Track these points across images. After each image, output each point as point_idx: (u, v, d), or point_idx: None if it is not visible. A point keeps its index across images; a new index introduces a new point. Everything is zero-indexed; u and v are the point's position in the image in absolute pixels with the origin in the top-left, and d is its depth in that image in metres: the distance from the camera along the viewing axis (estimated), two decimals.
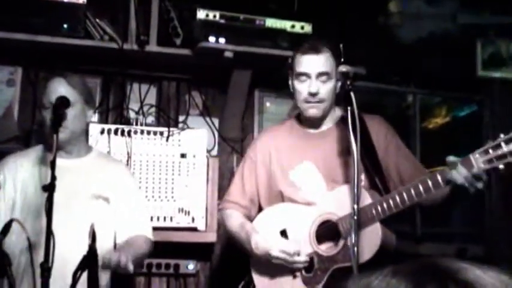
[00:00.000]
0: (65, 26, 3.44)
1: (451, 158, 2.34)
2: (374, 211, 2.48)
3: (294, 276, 2.65)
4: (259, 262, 2.72)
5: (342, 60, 2.63)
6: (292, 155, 2.80)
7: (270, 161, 2.85)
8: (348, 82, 2.41)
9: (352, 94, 2.36)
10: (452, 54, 4.28)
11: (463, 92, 4.68)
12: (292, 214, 2.72)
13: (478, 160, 2.28)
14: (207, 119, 3.98)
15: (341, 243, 2.56)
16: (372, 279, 0.85)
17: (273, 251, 2.59)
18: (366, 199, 2.52)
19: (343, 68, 2.50)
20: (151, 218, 3.43)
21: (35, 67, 3.77)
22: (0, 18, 3.35)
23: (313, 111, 2.72)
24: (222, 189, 3.85)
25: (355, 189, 2.28)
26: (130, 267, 2.47)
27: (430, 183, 2.38)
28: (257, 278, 2.76)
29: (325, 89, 2.69)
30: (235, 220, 2.85)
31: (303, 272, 2.63)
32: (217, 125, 3.99)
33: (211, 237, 3.63)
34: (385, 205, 2.45)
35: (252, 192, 2.89)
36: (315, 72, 2.67)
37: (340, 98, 2.68)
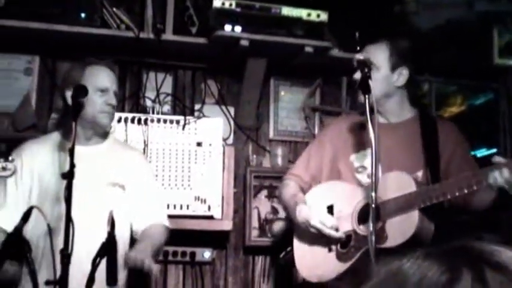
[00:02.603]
0: (82, 15, 3.47)
1: (497, 158, 2.36)
2: (413, 199, 2.52)
3: (330, 250, 2.76)
4: (301, 231, 2.85)
5: (358, 48, 2.63)
6: (359, 140, 2.88)
7: (339, 142, 2.95)
8: (366, 70, 2.42)
9: (370, 82, 2.37)
10: (469, 42, 4.25)
11: (479, 80, 4.64)
12: (342, 192, 2.82)
13: None
14: (223, 107, 3.98)
15: (379, 225, 2.58)
16: (403, 262, 0.85)
17: (312, 220, 2.72)
18: (412, 187, 2.56)
19: (360, 56, 2.51)
20: (168, 206, 3.46)
21: (52, 56, 3.79)
22: (18, 8, 3.38)
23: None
24: (238, 178, 3.88)
25: (373, 177, 2.30)
26: (154, 269, 2.50)
27: (473, 180, 2.40)
28: (296, 245, 2.91)
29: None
30: (290, 189, 3.00)
31: (339, 247, 2.72)
32: (232, 113, 4.00)
33: (227, 225, 3.64)
34: (426, 195, 2.49)
35: (316, 169, 3.00)
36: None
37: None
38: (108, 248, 2.17)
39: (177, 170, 3.59)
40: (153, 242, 2.74)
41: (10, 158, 2.35)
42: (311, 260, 2.83)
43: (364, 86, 2.40)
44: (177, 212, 3.53)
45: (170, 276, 3.79)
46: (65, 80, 2.87)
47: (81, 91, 2.59)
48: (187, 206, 3.56)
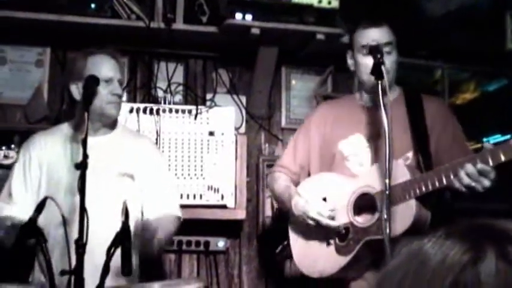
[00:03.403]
0: (92, 5, 3.47)
1: (488, 145, 2.35)
2: (410, 188, 2.49)
3: (328, 244, 2.72)
4: (297, 225, 2.81)
5: None
6: (346, 126, 2.85)
7: (325, 129, 2.91)
8: (379, 56, 2.40)
9: (383, 67, 2.35)
10: (481, 27, 4.21)
11: (492, 66, 4.60)
12: (335, 184, 2.77)
13: None
14: (234, 96, 3.97)
15: (376, 216, 2.58)
16: (424, 242, 0.84)
17: (310, 211, 2.68)
18: (405, 176, 2.52)
19: (372, 42, 2.49)
20: (181, 196, 3.46)
21: (63, 47, 3.80)
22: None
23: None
24: (250, 167, 3.88)
25: (387, 164, 2.28)
26: (155, 248, 2.51)
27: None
28: (293, 241, 2.86)
29: (390, 59, 2.69)
30: (281, 182, 2.95)
31: (337, 240, 2.69)
32: (244, 102, 3.99)
33: (241, 214, 3.65)
34: (422, 183, 2.46)
35: (303, 159, 2.96)
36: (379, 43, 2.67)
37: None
38: (122, 238, 2.17)
39: (190, 159, 3.59)
40: (161, 228, 2.73)
41: (12, 146, 2.35)
42: (310, 256, 2.78)
43: (378, 72, 2.38)
44: (191, 201, 3.54)
45: (184, 266, 3.80)
46: (69, 73, 2.87)
47: (92, 82, 2.59)
48: (201, 196, 3.56)
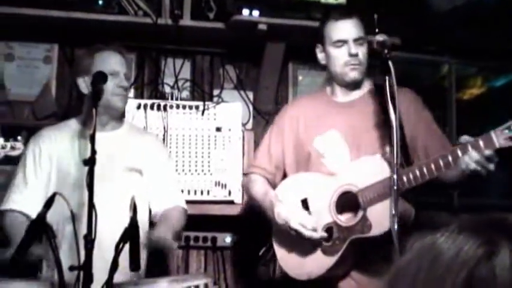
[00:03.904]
0: (100, 2, 3.49)
1: (465, 138, 2.34)
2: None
3: (314, 246, 2.68)
4: (281, 230, 2.75)
5: (377, 30, 2.61)
6: (320, 123, 2.82)
7: (298, 127, 2.88)
8: (386, 51, 2.39)
9: (390, 63, 2.35)
10: (488, 22, 4.19)
11: (499, 61, 4.59)
12: (314, 184, 2.74)
13: (500, 137, 2.27)
14: (242, 92, 3.98)
15: (360, 214, 2.56)
16: (437, 237, 0.84)
17: (292, 222, 2.63)
18: (387, 172, 2.51)
19: (379, 38, 2.49)
20: (188, 192, 3.47)
21: (70, 44, 3.81)
22: None
23: (354, 73, 2.75)
24: None
25: (395, 159, 2.28)
26: (174, 245, 2.52)
27: (450, 158, 2.38)
28: (277, 245, 2.81)
29: (362, 51, 2.74)
30: (260, 187, 2.90)
31: (322, 241, 2.65)
32: (251, 98, 3.99)
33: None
34: (404, 178, 2.45)
35: (278, 159, 2.92)
36: (352, 37, 2.72)
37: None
38: (130, 233, 2.18)
39: (197, 155, 3.60)
40: (173, 223, 2.78)
41: (19, 138, 2.36)
42: (296, 259, 2.73)
43: (385, 68, 2.38)
44: (198, 197, 3.54)
45: (192, 261, 3.81)
46: (76, 69, 2.93)
47: (100, 78, 2.60)
48: (208, 192, 3.57)
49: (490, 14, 4.17)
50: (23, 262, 2.25)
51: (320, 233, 2.62)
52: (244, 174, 3.07)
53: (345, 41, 2.72)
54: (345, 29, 2.73)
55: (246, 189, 3.04)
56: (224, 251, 3.84)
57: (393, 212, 2.25)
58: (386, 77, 2.37)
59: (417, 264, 0.83)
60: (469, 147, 2.31)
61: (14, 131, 3.41)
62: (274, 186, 2.89)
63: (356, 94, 2.84)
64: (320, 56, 2.84)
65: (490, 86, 4.77)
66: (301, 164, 2.85)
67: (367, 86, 2.86)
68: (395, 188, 2.27)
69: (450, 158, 2.37)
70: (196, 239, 3.73)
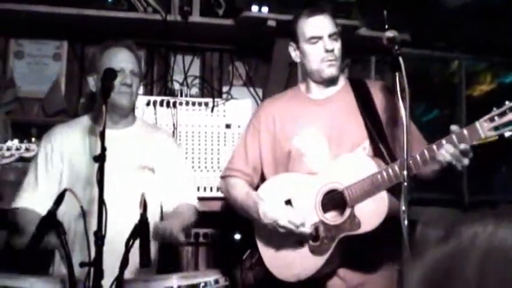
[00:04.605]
0: None
1: (454, 127, 2.36)
2: (381, 179, 2.48)
3: (301, 245, 2.65)
4: (265, 231, 2.72)
5: (386, 26, 2.60)
6: (296, 121, 2.80)
7: (274, 128, 2.84)
8: (396, 47, 2.38)
9: (401, 59, 2.34)
10: (498, 18, 4.17)
11: (509, 57, 4.56)
12: (296, 184, 2.72)
13: (484, 127, 2.28)
14: (251, 89, 3.97)
15: (347, 212, 2.55)
16: (477, 229, 0.82)
17: (281, 220, 2.60)
18: (372, 168, 2.52)
19: (390, 34, 2.47)
20: (198, 188, 3.47)
21: (80, 41, 3.83)
22: None
23: (330, 70, 2.74)
24: None
25: (405, 155, 2.27)
26: (181, 237, 2.51)
27: (430, 154, 2.40)
28: (262, 247, 2.76)
29: (338, 47, 2.74)
30: (240, 189, 2.85)
31: (310, 241, 2.63)
32: (260, 95, 3.98)
33: None
34: (391, 173, 2.45)
35: (255, 160, 2.88)
36: (327, 33, 2.71)
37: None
38: (141, 230, 2.19)
39: (207, 152, 3.60)
40: (183, 217, 2.78)
41: (33, 139, 2.38)
42: (284, 260, 2.69)
43: (396, 64, 2.37)
44: (207, 194, 3.55)
45: (201, 258, 3.81)
46: (88, 66, 2.95)
47: (109, 74, 2.60)
48: (217, 188, 3.56)
49: (500, 9, 4.15)
50: (35, 255, 2.27)
51: (308, 228, 2.60)
52: (221, 178, 3.01)
53: (319, 37, 2.71)
54: (319, 25, 2.72)
55: (225, 192, 2.97)
56: (233, 247, 3.84)
57: (403, 208, 2.23)
58: (397, 74, 2.35)
59: (463, 256, 0.81)
60: (444, 142, 2.33)
61: (24, 127, 3.44)
62: (252, 188, 2.86)
63: (332, 90, 2.83)
64: (293, 54, 2.83)
65: (500, 82, 4.74)
66: (280, 164, 2.82)
67: (342, 81, 2.85)
68: (405, 184, 2.25)
69: (432, 155, 2.39)
70: (206, 235, 3.73)
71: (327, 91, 2.82)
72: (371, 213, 2.47)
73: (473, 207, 4.28)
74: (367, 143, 2.65)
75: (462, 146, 2.30)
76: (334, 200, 2.61)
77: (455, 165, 2.34)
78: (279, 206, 2.67)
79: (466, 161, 2.34)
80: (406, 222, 2.22)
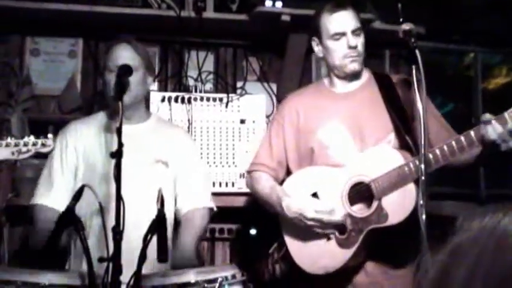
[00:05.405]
0: None
1: (487, 116, 2.35)
2: (408, 171, 2.47)
3: (328, 239, 2.64)
4: (291, 225, 2.71)
5: (401, 19, 2.58)
6: (320, 114, 2.79)
7: (298, 121, 2.84)
8: (413, 40, 2.37)
9: (417, 52, 2.32)
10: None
11: None
12: (322, 177, 2.70)
13: None
14: (265, 84, 3.97)
15: (375, 204, 2.54)
16: (498, 217, 0.82)
17: (307, 212, 2.60)
18: (398, 160, 2.51)
19: (405, 27, 2.46)
20: (213, 184, 3.48)
21: (95, 38, 3.85)
22: None
23: (354, 65, 2.73)
24: None
25: (422, 149, 2.26)
26: (195, 261, 2.61)
27: (464, 141, 2.39)
28: (290, 241, 2.75)
29: (361, 42, 2.73)
30: (265, 182, 2.85)
31: (337, 234, 2.62)
32: (275, 90, 3.98)
33: None
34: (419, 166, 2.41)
35: (280, 155, 2.87)
36: (350, 29, 2.69)
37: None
38: (158, 225, 2.19)
39: (221, 147, 3.61)
40: (195, 230, 2.80)
41: (49, 135, 2.39)
42: (311, 254, 2.67)
43: (412, 57, 2.35)
44: (223, 189, 3.55)
45: (217, 253, 3.82)
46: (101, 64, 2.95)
47: (125, 71, 2.61)
48: (233, 184, 3.58)
49: None
50: (53, 253, 2.28)
51: (339, 216, 2.59)
52: (247, 173, 3.00)
53: (343, 34, 2.69)
54: (342, 21, 2.70)
55: (250, 187, 2.97)
56: (249, 242, 3.85)
57: (421, 202, 2.22)
58: (413, 67, 2.34)
59: (480, 246, 0.80)
60: (492, 121, 2.33)
61: (40, 125, 3.46)
62: (277, 182, 2.85)
63: (355, 84, 2.81)
64: (317, 49, 2.81)
65: None
66: (304, 157, 2.81)
67: (366, 75, 2.84)
68: (423, 178, 2.24)
69: (465, 142, 2.39)
70: (221, 231, 3.74)
71: (351, 85, 2.81)
72: (399, 205, 2.46)
73: (490, 200, 4.25)
74: (392, 136, 2.64)
75: (510, 126, 2.31)
76: (360, 193, 2.60)
77: (499, 145, 2.33)
78: (304, 198, 2.67)
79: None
80: (424, 216, 2.22)
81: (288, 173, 2.89)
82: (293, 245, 2.74)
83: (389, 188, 2.51)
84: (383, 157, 2.57)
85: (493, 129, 2.31)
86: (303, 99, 2.90)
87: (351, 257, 2.59)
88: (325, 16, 2.73)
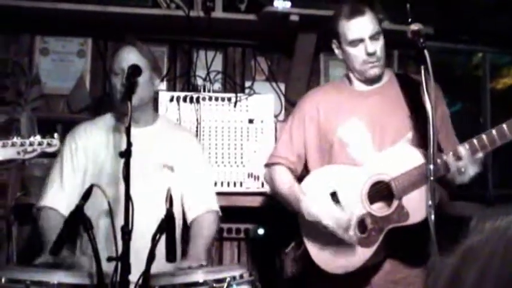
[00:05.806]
0: None
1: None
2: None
3: None
4: (310, 224, 2.70)
5: (410, 19, 2.58)
6: (340, 111, 2.79)
7: (318, 118, 2.84)
8: (421, 40, 2.37)
9: (426, 52, 2.32)
10: None
11: None
12: (341, 176, 2.70)
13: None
14: (273, 84, 3.98)
15: (395, 203, 2.54)
16: (510, 218, 0.82)
17: (324, 220, 2.59)
18: (418, 159, 2.51)
19: (414, 27, 2.45)
20: (222, 184, 3.49)
21: (104, 38, 3.86)
22: None
23: (374, 70, 2.73)
24: None
25: (431, 149, 2.26)
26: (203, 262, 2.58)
27: (487, 139, 2.45)
28: (308, 240, 2.75)
29: (380, 46, 2.71)
30: (284, 178, 2.84)
31: (357, 232, 2.62)
32: (283, 89, 3.98)
33: None
34: (439, 163, 2.42)
35: (300, 149, 2.87)
36: (368, 35, 2.68)
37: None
38: (167, 225, 2.20)
39: (230, 147, 3.61)
40: (205, 240, 2.80)
41: (55, 135, 2.39)
42: (330, 253, 2.67)
43: (421, 57, 2.35)
44: (231, 189, 3.55)
45: (226, 253, 3.83)
46: None
47: (134, 72, 2.62)
48: (241, 183, 3.58)
49: None
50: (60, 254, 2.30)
51: (353, 235, 2.59)
52: (266, 165, 3.00)
53: (361, 40, 2.69)
54: (360, 27, 2.69)
55: (269, 180, 2.97)
56: (257, 242, 3.85)
57: (430, 202, 2.22)
58: (422, 67, 2.34)
59: (491, 247, 0.80)
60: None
61: (49, 124, 3.48)
62: (295, 176, 2.85)
63: (375, 83, 2.82)
64: (337, 51, 2.81)
65: None
66: (324, 154, 2.81)
67: (387, 75, 2.84)
68: (431, 178, 2.24)
69: (487, 141, 2.45)
70: (230, 230, 3.74)
71: (372, 85, 2.82)
72: (419, 204, 2.45)
73: (498, 201, 4.24)
74: (410, 135, 2.64)
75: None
76: (380, 192, 2.60)
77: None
78: (324, 204, 2.65)
79: None
80: (433, 217, 2.21)
81: (305, 168, 2.90)
82: (312, 244, 2.74)
83: (410, 187, 2.51)
84: (403, 156, 2.58)
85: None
86: (323, 96, 2.90)
87: (371, 256, 2.60)
88: (343, 22, 2.72)
